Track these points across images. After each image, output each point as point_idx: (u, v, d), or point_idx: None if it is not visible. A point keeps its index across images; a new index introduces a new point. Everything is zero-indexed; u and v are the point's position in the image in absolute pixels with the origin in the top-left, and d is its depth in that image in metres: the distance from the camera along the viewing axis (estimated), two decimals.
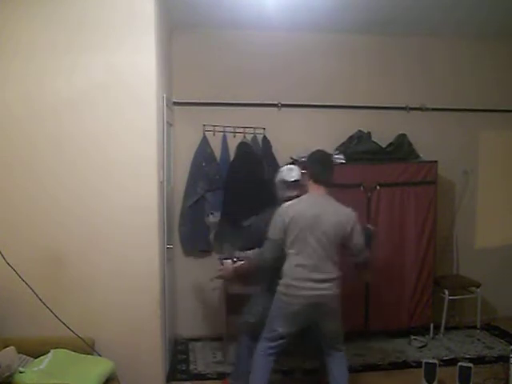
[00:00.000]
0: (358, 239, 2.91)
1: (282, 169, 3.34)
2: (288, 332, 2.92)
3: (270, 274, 3.07)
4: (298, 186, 3.16)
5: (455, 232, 4.75)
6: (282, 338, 2.94)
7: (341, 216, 2.89)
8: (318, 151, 3.09)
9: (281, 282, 2.90)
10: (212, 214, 4.24)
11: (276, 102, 4.39)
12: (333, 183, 3.02)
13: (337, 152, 4.23)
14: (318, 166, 2.99)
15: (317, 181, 2.95)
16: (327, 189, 2.97)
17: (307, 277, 2.83)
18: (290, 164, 3.84)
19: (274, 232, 2.91)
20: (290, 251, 2.88)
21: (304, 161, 3.06)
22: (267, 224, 3.00)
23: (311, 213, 2.85)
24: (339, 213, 2.90)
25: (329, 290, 2.85)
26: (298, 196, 3.07)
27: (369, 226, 3.30)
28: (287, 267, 2.88)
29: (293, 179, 3.18)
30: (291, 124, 4.40)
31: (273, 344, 2.96)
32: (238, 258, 4.05)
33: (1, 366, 2.46)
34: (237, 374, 3.30)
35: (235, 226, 4.10)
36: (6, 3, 2.95)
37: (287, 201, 3.06)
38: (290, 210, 2.89)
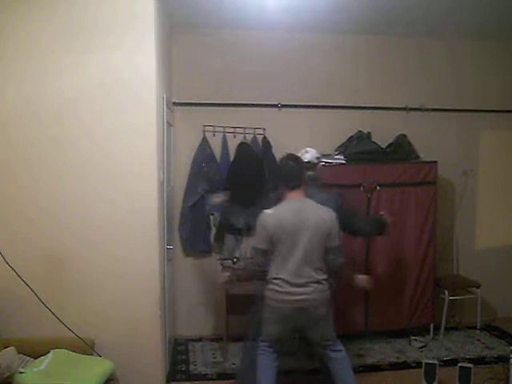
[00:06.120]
0: (337, 242, 2.91)
1: (301, 151, 3.40)
2: (280, 336, 2.95)
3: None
4: (309, 168, 3.24)
5: (455, 232, 4.74)
6: (275, 340, 2.97)
7: (322, 217, 2.88)
8: (282, 158, 3.09)
9: (267, 287, 2.91)
10: (213, 214, 4.27)
11: (276, 103, 4.38)
12: (305, 183, 3.01)
13: (337, 152, 4.24)
14: (284, 173, 2.99)
15: (289, 187, 2.95)
16: (303, 190, 2.96)
17: (297, 282, 2.83)
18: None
19: (257, 241, 2.90)
20: (275, 258, 2.88)
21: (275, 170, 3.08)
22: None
23: (293, 219, 2.84)
24: (320, 214, 2.89)
25: (310, 294, 2.85)
26: (314, 178, 3.22)
27: (382, 213, 3.40)
28: (273, 273, 2.89)
29: (305, 160, 3.27)
30: (291, 124, 4.39)
31: (269, 344, 2.98)
32: (237, 259, 4.07)
33: (1, 366, 2.46)
34: (244, 378, 3.29)
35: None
36: (6, 3, 2.95)
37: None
38: (271, 218, 2.87)
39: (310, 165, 3.31)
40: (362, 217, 3.13)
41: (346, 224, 3.17)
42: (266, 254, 2.89)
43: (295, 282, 2.83)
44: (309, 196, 3.10)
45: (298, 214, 2.87)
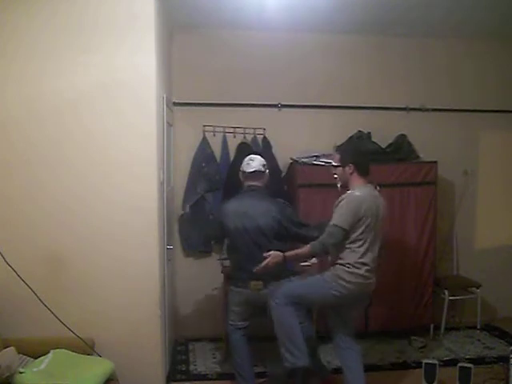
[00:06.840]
0: None
1: (245, 159, 3.31)
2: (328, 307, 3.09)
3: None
4: (256, 177, 3.21)
5: (455, 232, 4.74)
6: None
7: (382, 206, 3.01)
8: (355, 143, 3.15)
9: (343, 268, 2.88)
10: (213, 214, 4.25)
11: (276, 103, 4.38)
12: None
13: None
14: (363, 159, 3.03)
15: (363, 174, 2.97)
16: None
17: (371, 266, 2.91)
18: (298, 161, 3.90)
19: (345, 220, 2.85)
20: (357, 241, 2.88)
21: (342, 153, 3.06)
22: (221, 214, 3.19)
23: (375, 204, 2.91)
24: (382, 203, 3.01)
25: (374, 278, 2.98)
26: (258, 186, 3.18)
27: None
28: (355, 257, 2.88)
29: (251, 170, 3.21)
30: (291, 124, 4.39)
31: (298, 311, 3.03)
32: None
33: (1, 366, 2.46)
34: (238, 366, 3.30)
35: None
36: (6, 3, 2.95)
37: (249, 190, 3.18)
38: (361, 200, 2.87)
39: (256, 174, 3.19)
40: (308, 223, 3.14)
41: (294, 231, 3.13)
42: (344, 235, 2.87)
43: (372, 267, 2.92)
44: (250, 206, 3.14)
45: (375, 199, 2.94)
